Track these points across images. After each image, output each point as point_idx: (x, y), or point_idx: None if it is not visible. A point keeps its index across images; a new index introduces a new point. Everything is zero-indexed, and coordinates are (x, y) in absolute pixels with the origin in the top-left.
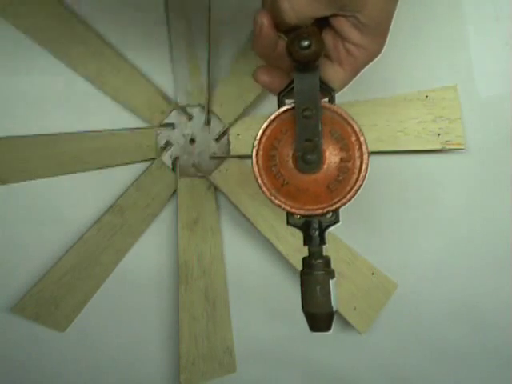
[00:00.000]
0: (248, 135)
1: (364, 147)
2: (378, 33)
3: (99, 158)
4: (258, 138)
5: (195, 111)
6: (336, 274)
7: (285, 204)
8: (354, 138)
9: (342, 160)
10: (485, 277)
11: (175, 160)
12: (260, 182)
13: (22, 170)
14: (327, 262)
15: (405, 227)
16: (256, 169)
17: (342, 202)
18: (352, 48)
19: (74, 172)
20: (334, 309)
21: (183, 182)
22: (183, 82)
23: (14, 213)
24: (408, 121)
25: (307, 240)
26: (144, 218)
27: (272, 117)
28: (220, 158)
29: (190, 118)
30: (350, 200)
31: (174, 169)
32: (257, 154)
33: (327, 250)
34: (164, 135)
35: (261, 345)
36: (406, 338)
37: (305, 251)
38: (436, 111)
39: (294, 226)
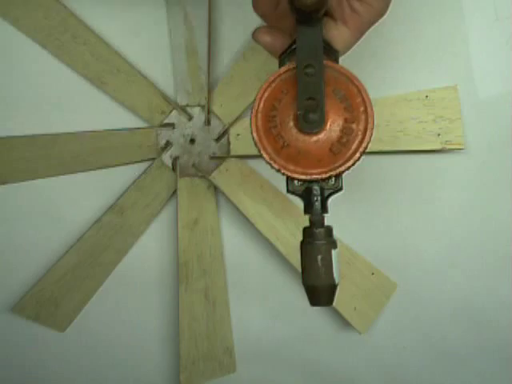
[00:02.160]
0: (248, 135)
1: (369, 108)
2: None
3: (99, 158)
4: (257, 97)
5: (195, 111)
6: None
7: (285, 168)
8: (359, 99)
9: (346, 121)
10: (485, 277)
11: (175, 160)
12: (259, 145)
13: (21, 170)
14: (329, 231)
15: (405, 227)
16: (255, 130)
17: (345, 165)
18: (356, 4)
19: (74, 172)
20: (337, 281)
21: (183, 182)
22: (183, 82)
23: (14, 213)
24: (408, 121)
25: (308, 208)
26: (144, 218)
27: (272, 77)
28: (220, 158)
29: (190, 118)
30: (354, 164)
31: (174, 169)
32: (256, 115)
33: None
34: (164, 135)
35: (261, 345)
36: (406, 337)
37: None
38: (436, 111)
39: (294, 193)
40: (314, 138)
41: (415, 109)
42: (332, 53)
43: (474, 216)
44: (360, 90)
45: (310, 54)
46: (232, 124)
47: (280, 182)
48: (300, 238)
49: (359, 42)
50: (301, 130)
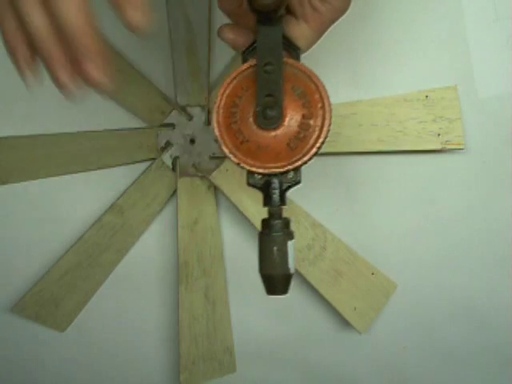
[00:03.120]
0: None
1: (327, 105)
2: None
3: (99, 158)
4: (219, 93)
5: (195, 111)
6: (335, 274)
7: (244, 162)
8: (317, 96)
9: (303, 117)
10: (485, 277)
11: (175, 160)
12: (220, 139)
13: (21, 170)
14: (286, 223)
15: (405, 227)
16: (216, 126)
17: (302, 159)
18: (317, 3)
19: (74, 172)
20: (291, 271)
21: (183, 182)
22: (183, 82)
23: (14, 213)
24: (408, 121)
25: (267, 200)
26: (144, 218)
27: (234, 74)
28: (220, 158)
29: (190, 118)
30: (310, 158)
31: (174, 169)
32: (217, 112)
33: (327, 249)
34: (164, 135)
35: (261, 345)
36: (406, 337)
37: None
38: (436, 111)
39: (254, 186)
40: (273, 134)
41: (415, 109)
42: (293, 50)
43: (474, 216)
44: (318, 87)
45: (270, 53)
46: None
47: None
48: (299, 237)
49: (358, 43)
50: (260, 126)
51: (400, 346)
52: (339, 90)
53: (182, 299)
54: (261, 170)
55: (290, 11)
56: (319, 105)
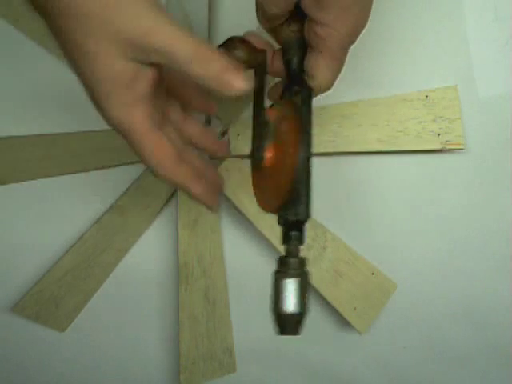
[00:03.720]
0: (248, 135)
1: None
2: (340, 8)
3: (99, 158)
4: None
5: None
6: (335, 274)
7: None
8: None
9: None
10: (485, 277)
11: None
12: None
13: (22, 170)
14: (303, 262)
15: (405, 227)
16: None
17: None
18: (318, 29)
19: (74, 172)
20: (299, 310)
21: None
22: None
23: (14, 213)
24: (408, 121)
25: (285, 239)
26: (144, 218)
27: None
28: (220, 158)
29: None
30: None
31: None
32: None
33: (327, 249)
34: None
35: (261, 345)
36: (406, 337)
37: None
38: (436, 111)
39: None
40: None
41: (415, 109)
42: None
43: (473, 216)
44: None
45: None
46: (232, 124)
47: None
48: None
49: (358, 43)
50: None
51: (400, 346)
52: (339, 90)
53: (182, 299)
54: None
55: (308, 44)
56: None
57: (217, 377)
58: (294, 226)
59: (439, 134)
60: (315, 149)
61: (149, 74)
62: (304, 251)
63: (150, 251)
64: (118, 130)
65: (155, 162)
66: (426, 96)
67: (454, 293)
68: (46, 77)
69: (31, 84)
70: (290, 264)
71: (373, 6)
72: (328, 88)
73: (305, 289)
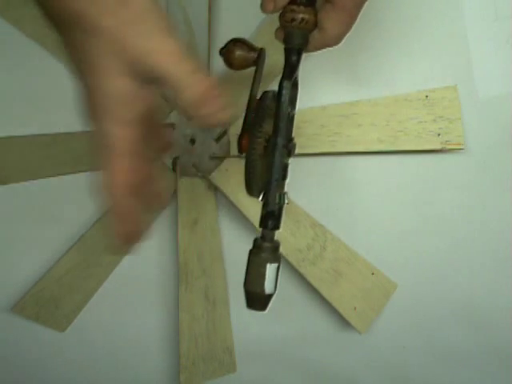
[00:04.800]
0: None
1: None
2: None
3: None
4: None
5: None
6: (335, 274)
7: None
8: None
9: None
10: (485, 277)
11: (175, 160)
12: None
13: (22, 170)
14: (276, 247)
15: (405, 227)
16: None
17: None
18: None
19: (74, 172)
20: (269, 292)
21: (183, 182)
22: None
23: (13, 213)
24: (408, 121)
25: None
26: (144, 218)
27: None
28: (220, 158)
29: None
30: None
31: (174, 169)
32: None
33: (327, 249)
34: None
35: (261, 345)
36: (405, 337)
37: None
38: (436, 111)
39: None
40: None
41: (415, 109)
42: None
43: (473, 216)
44: None
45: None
46: (232, 124)
47: None
48: (299, 237)
49: (358, 43)
50: None
51: (400, 346)
52: (339, 90)
53: (182, 299)
54: None
55: None
56: None
57: (217, 377)
58: (270, 214)
59: (439, 134)
60: (315, 149)
61: (148, 96)
62: (304, 251)
63: (149, 251)
64: (100, 141)
65: (112, 185)
66: (426, 96)
67: (453, 293)
68: (47, 77)
69: (31, 84)
70: (263, 248)
71: (373, 6)
72: (336, 42)
73: (274, 272)
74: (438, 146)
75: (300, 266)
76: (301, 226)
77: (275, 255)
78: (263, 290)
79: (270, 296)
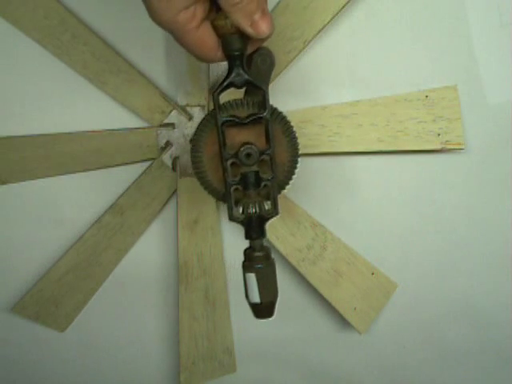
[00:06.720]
0: None
1: None
2: None
3: (99, 158)
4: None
5: (195, 111)
6: (335, 274)
7: None
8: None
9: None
10: (485, 277)
11: (175, 160)
12: None
13: (21, 170)
14: (267, 254)
15: (405, 227)
16: None
17: None
18: None
19: (74, 172)
20: (259, 300)
21: (183, 182)
22: (183, 82)
23: (14, 213)
24: (408, 121)
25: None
26: (144, 218)
27: None
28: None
29: (190, 117)
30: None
31: (174, 169)
32: None
33: (327, 249)
34: (164, 135)
35: (261, 345)
36: (406, 337)
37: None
38: (436, 111)
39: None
40: None
41: (415, 109)
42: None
43: (473, 216)
44: None
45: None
46: None
47: None
48: (299, 237)
49: (358, 43)
50: None
51: (400, 346)
52: (339, 90)
53: (182, 299)
54: None
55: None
56: None
57: (217, 377)
58: (250, 222)
59: (439, 134)
60: (315, 149)
61: None
62: (304, 251)
63: (149, 251)
64: (166, 28)
65: (198, 53)
66: (426, 96)
67: (453, 292)
68: (46, 76)
69: (31, 84)
70: (253, 258)
71: (373, 6)
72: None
73: (269, 279)
74: (437, 146)
75: (300, 266)
76: (301, 226)
77: (269, 261)
78: (270, 298)
79: (271, 303)
